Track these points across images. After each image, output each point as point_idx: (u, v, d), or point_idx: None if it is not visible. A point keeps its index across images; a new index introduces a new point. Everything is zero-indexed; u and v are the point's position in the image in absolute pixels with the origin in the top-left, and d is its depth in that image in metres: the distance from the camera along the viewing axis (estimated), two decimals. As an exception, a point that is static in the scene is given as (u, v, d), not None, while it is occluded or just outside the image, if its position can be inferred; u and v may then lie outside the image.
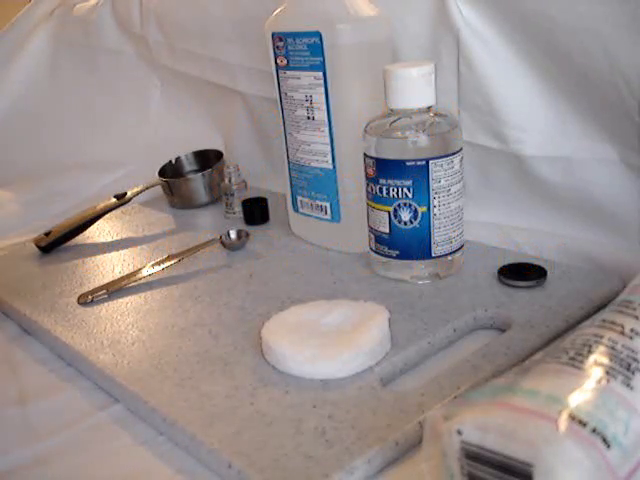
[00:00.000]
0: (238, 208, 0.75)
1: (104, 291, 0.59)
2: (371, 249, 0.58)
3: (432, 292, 0.54)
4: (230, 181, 0.75)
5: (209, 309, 0.55)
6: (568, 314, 0.49)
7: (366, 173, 0.55)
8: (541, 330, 0.47)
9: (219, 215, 0.77)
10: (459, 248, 0.56)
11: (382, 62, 0.54)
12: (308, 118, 0.60)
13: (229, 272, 0.62)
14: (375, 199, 0.54)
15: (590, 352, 0.32)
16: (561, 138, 0.57)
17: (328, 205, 0.62)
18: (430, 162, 0.51)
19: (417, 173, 0.52)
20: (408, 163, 0.52)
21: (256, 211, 0.73)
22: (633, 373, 0.31)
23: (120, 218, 0.79)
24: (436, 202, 0.53)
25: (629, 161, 0.54)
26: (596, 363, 0.31)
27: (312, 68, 0.57)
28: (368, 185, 0.55)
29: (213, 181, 0.80)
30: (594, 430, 0.28)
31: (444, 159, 0.52)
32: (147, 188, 0.79)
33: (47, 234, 0.71)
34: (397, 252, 0.55)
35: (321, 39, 0.56)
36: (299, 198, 0.65)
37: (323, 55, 0.56)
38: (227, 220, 0.75)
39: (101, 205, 0.75)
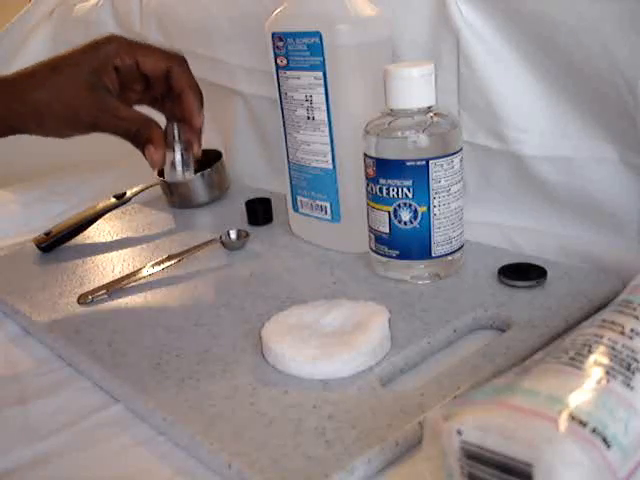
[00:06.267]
0: (193, 166, 0.60)
1: (104, 291, 0.59)
2: (371, 249, 0.57)
3: (432, 292, 0.54)
4: (174, 138, 0.59)
5: (209, 309, 0.55)
6: (568, 314, 0.49)
7: (366, 173, 0.55)
8: (541, 330, 0.47)
9: (219, 215, 0.77)
10: (459, 248, 0.56)
11: (382, 62, 0.54)
12: (308, 118, 0.60)
13: (229, 272, 0.62)
14: (375, 199, 0.54)
15: (590, 352, 0.32)
16: (561, 138, 0.57)
17: (328, 205, 0.62)
18: (430, 162, 0.51)
19: (417, 173, 0.52)
20: (408, 163, 0.52)
21: (259, 212, 0.73)
22: (633, 373, 0.31)
23: (120, 218, 0.79)
24: (436, 202, 0.53)
25: (629, 161, 0.54)
26: (596, 363, 0.31)
27: (312, 68, 0.57)
28: (368, 185, 0.55)
29: (213, 181, 0.80)
30: (594, 430, 0.28)
31: (444, 159, 0.52)
32: (147, 188, 0.79)
33: (47, 234, 0.70)
34: (397, 252, 0.55)
35: (321, 39, 0.55)
36: (299, 198, 0.65)
37: (323, 55, 0.56)
38: (182, 179, 0.59)
39: (101, 205, 0.75)
